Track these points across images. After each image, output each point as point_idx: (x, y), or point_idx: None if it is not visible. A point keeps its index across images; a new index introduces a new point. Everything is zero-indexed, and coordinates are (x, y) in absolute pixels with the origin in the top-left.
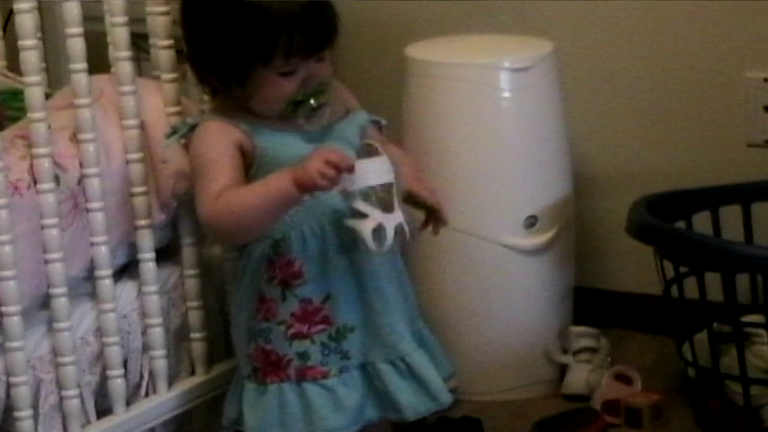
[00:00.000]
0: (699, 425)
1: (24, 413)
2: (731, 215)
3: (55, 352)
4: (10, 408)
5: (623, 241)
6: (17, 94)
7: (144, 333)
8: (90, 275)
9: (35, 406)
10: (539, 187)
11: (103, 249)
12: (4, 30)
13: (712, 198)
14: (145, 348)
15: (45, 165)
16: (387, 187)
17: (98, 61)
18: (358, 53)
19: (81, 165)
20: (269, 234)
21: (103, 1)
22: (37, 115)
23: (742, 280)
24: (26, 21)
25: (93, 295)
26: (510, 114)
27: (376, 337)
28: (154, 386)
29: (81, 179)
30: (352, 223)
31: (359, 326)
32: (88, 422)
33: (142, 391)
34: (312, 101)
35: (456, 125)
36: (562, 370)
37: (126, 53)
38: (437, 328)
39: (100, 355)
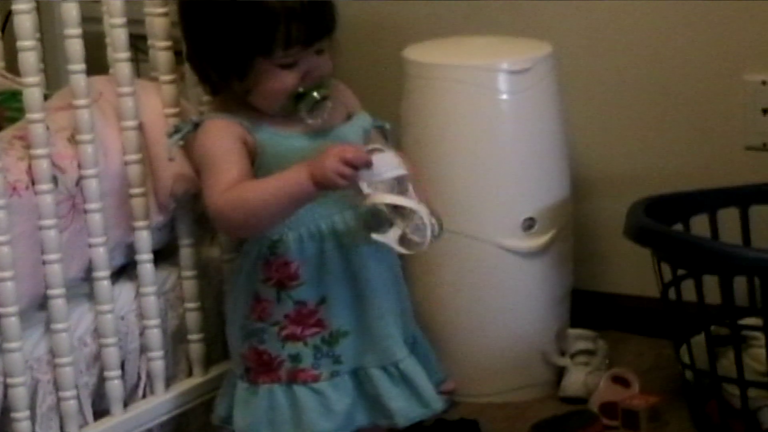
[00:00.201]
0: (696, 428)
1: (21, 414)
2: (729, 218)
3: (53, 353)
4: (7, 409)
5: (621, 244)
6: (16, 95)
7: (142, 334)
8: (88, 276)
9: (33, 407)
10: (537, 189)
11: (101, 250)
12: (3, 31)
13: (710, 201)
14: (143, 349)
15: (43, 166)
16: (402, 183)
17: (97, 63)
18: (357, 55)
19: (79, 166)
20: (267, 234)
21: (102, 2)
22: (36, 115)
23: (740, 283)
24: (25, 22)
25: (91, 296)
26: (508, 116)
27: (370, 343)
28: (151, 387)
29: (79, 180)
30: (378, 237)
31: (353, 331)
32: (86, 423)
33: (140, 392)
34: (314, 94)
35: (454, 127)
36: (560, 372)
37: (124, 54)
38: (434, 330)
39: (97, 356)
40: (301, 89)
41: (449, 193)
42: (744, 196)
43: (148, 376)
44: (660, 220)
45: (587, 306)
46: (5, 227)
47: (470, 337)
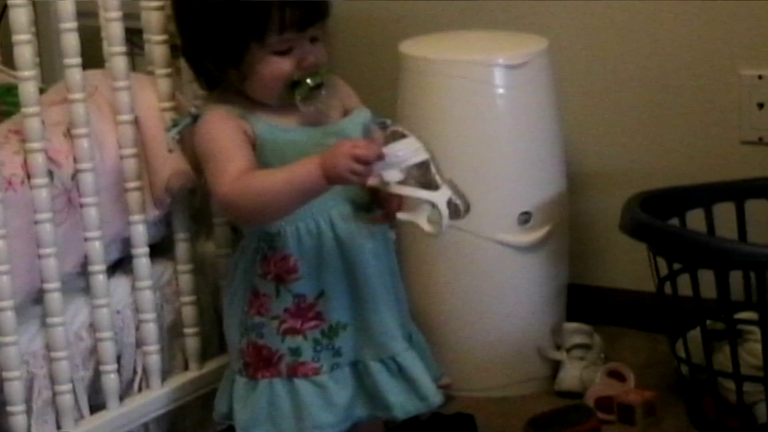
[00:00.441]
0: (692, 422)
1: (17, 408)
2: (725, 212)
3: (49, 348)
4: (3, 403)
5: (617, 238)
6: (11, 89)
7: (137, 328)
8: (84, 271)
9: (28, 401)
10: (533, 183)
11: (97, 244)
12: None
13: (706, 195)
14: (139, 343)
15: (39, 160)
16: (423, 166)
17: (92, 57)
18: (353, 49)
19: (75, 160)
20: (264, 229)
21: None
22: (31, 110)
23: (736, 278)
24: (20, 16)
25: (86, 291)
26: (504, 111)
27: (368, 336)
28: (147, 382)
29: (75, 174)
30: (403, 216)
31: (351, 324)
32: (82, 417)
33: (136, 386)
34: (308, 81)
35: (450, 122)
36: (556, 366)
37: (120, 49)
38: (430, 325)
39: (93, 351)
40: (295, 77)
41: None
42: (740, 191)
43: (144, 370)
44: (656, 214)
45: (583, 300)
46: (1, 222)
47: (466, 331)
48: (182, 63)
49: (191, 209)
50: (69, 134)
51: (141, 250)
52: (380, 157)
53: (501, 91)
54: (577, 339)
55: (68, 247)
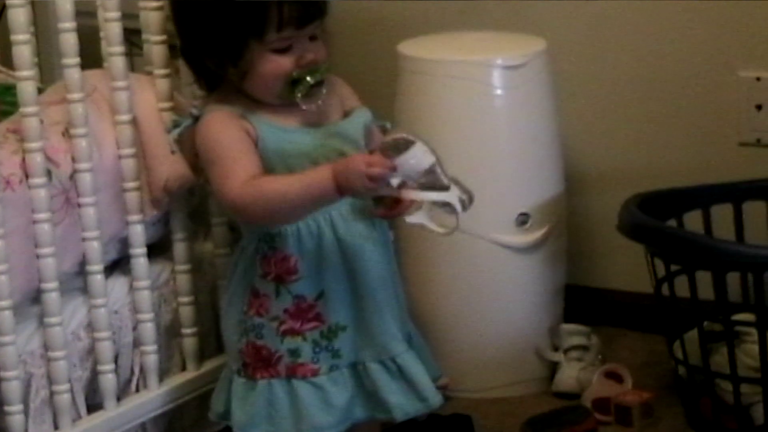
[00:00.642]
0: (689, 423)
1: (14, 408)
2: (723, 214)
3: (46, 347)
4: (0, 402)
5: (615, 240)
6: (10, 89)
7: (135, 328)
8: (81, 270)
9: (26, 401)
10: (531, 184)
11: (95, 244)
12: None
13: (704, 197)
14: (136, 343)
15: (37, 160)
16: (429, 170)
17: (91, 56)
18: (352, 50)
19: (73, 160)
20: (264, 229)
21: None
22: (30, 109)
23: (733, 279)
24: (19, 15)
25: (84, 290)
26: (502, 111)
27: (368, 337)
28: (144, 381)
29: (73, 174)
30: (413, 219)
31: (351, 325)
32: (79, 417)
33: (133, 386)
34: (308, 78)
35: (448, 122)
36: (553, 367)
37: (119, 48)
38: (428, 326)
39: (91, 350)
40: (295, 74)
41: None
42: (738, 192)
43: (142, 370)
44: (654, 216)
45: (581, 301)
46: None
47: (464, 332)
48: (181, 63)
49: (189, 209)
50: (67, 134)
51: (139, 250)
52: (393, 170)
53: (499, 91)
54: (575, 340)
55: (66, 247)
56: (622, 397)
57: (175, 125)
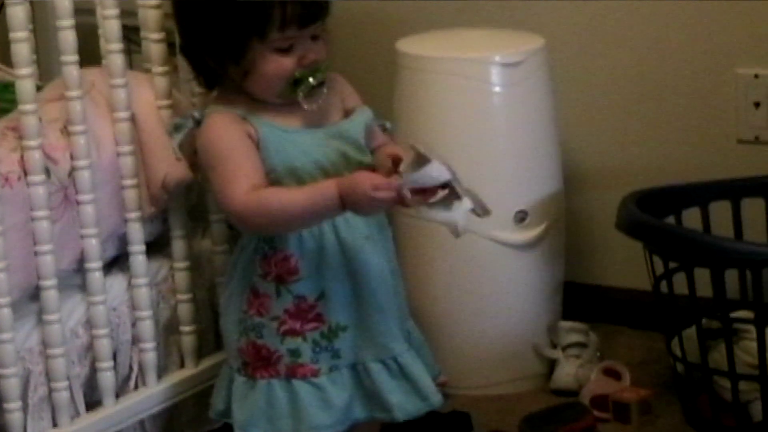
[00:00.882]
0: (687, 421)
1: (13, 405)
2: (721, 211)
3: (45, 344)
4: None
5: (613, 237)
6: (8, 87)
7: (133, 325)
8: (80, 267)
9: (24, 398)
10: (529, 181)
11: (94, 241)
12: None
13: (702, 194)
14: (135, 341)
15: (35, 157)
16: (443, 186)
17: (89, 54)
18: (350, 47)
19: (72, 157)
20: None
21: None
22: (28, 107)
23: (731, 276)
24: (18, 13)
25: (83, 288)
26: (501, 109)
27: (368, 337)
28: (143, 379)
29: (71, 172)
30: (425, 213)
31: (351, 326)
32: (78, 414)
33: (132, 383)
34: (311, 79)
35: (447, 120)
36: (551, 364)
37: (117, 46)
38: (427, 323)
39: (89, 348)
40: (297, 74)
41: None
42: (736, 190)
43: (140, 367)
44: (652, 213)
45: (579, 299)
46: None
47: (462, 329)
48: (179, 61)
49: (187, 206)
50: (66, 131)
51: (137, 247)
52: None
53: (498, 89)
54: (573, 337)
55: (65, 244)
56: (621, 394)
57: (176, 127)
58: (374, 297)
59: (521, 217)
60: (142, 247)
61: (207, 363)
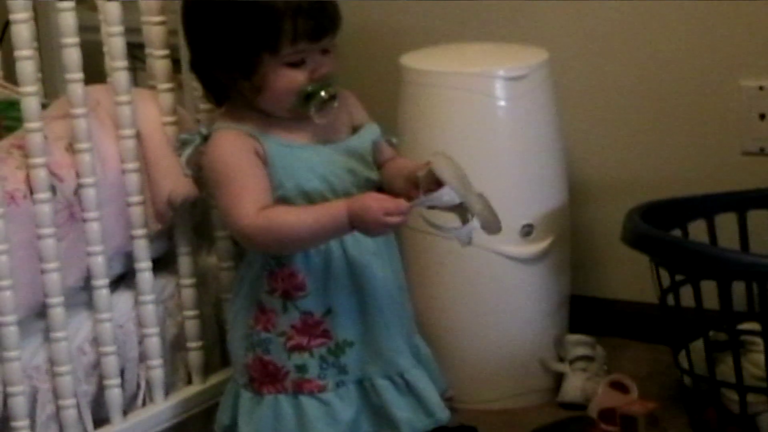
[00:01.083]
0: None
1: (21, 423)
2: (727, 223)
3: (52, 362)
4: (7, 418)
5: (619, 250)
6: (14, 104)
7: (140, 342)
8: (86, 285)
9: (32, 416)
10: (535, 195)
11: (100, 259)
12: (1, 40)
13: (708, 206)
14: (142, 357)
15: (41, 175)
16: (452, 209)
17: (94, 71)
18: (354, 61)
19: (77, 175)
20: None
21: (99, 10)
22: (33, 125)
23: (738, 288)
24: (22, 31)
25: (89, 305)
26: (505, 123)
27: (375, 353)
28: (150, 396)
29: (77, 189)
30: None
31: (358, 341)
32: None
33: (139, 400)
34: (322, 93)
35: (451, 134)
36: (558, 378)
37: (122, 63)
38: (433, 337)
39: (96, 365)
40: (309, 88)
41: None
42: (742, 202)
43: (147, 384)
44: (658, 225)
45: (585, 312)
46: (3, 236)
47: (469, 343)
48: (184, 77)
49: (193, 223)
50: (71, 149)
51: (143, 264)
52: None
53: (502, 103)
54: (580, 350)
55: (71, 262)
56: (628, 408)
57: (183, 143)
58: (381, 312)
59: (527, 231)
60: (149, 264)
61: (214, 379)
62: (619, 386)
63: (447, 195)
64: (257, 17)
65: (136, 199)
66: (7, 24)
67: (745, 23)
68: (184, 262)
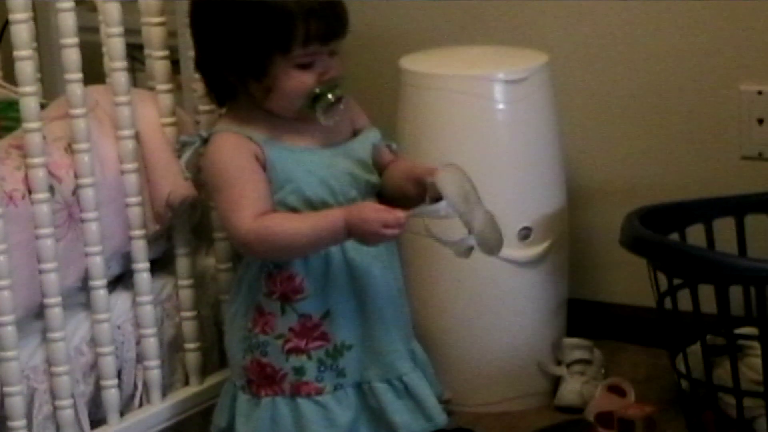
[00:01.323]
0: None
1: (18, 423)
2: (725, 227)
3: (49, 362)
4: (4, 418)
5: (617, 253)
6: (12, 104)
7: (138, 343)
8: (84, 285)
9: (29, 416)
10: (533, 198)
11: (98, 259)
12: (0, 40)
13: (706, 210)
14: (139, 358)
15: (40, 175)
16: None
17: (93, 72)
18: (353, 64)
19: (76, 175)
20: None
21: (99, 11)
22: (32, 125)
23: (736, 293)
24: (21, 31)
25: (87, 306)
26: (504, 126)
27: (374, 356)
28: (148, 396)
29: (76, 189)
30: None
31: (357, 344)
32: None
33: (136, 401)
34: (329, 95)
35: (450, 137)
36: (556, 381)
37: (121, 64)
38: (431, 340)
39: (94, 366)
40: (317, 90)
41: None
42: (740, 206)
43: (145, 385)
44: (656, 229)
45: (583, 315)
46: (2, 236)
47: (466, 346)
48: (183, 78)
49: (191, 224)
50: (70, 149)
51: (141, 265)
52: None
53: (501, 106)
54: (578, 354)
55: (69, 262)
56: (625, 411)
57: (183, 145)
58: (381, 316)
59: (525, 234)
60: (147, 265)
61: (211, 380)
62: (616, 390)
63: (444, 210)
64: (270, 18)
65: (134, 199)
66: (6, 24)
67: (744, 28)
68: (183, 263)
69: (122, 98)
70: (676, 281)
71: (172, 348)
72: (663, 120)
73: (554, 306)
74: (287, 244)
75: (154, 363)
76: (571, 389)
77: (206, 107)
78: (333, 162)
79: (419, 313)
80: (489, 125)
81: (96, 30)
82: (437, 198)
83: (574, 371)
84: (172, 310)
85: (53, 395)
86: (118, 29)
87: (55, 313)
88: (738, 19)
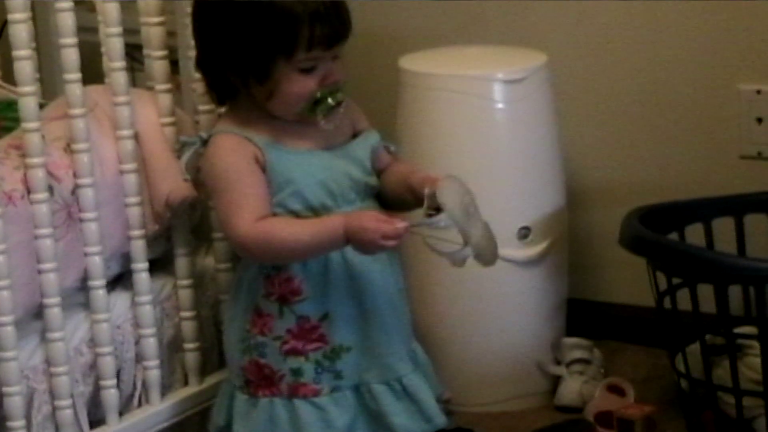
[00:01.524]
0: None
1: (17, 423)
2: (724, 227)
3: (49, 363)
4: (3, 418)
5: (616, 253)
6: (11, 105)
7: (137, 343)
8: (84, 285)
9: (28, 417)
10: (532, 198)
11: (97, 259)
12: None
13: (705, 210)
14: (139, 358)
15: (39, 175)
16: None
17: (92, 72)
18: (352, 64)
19: (75, 175)
20: None
21: (98, 11)
22: (31, 125)
23: (735, 292)
24: (20, 31)
25: (86, 306)
26: (503, 125)
27: (373, 358)
28: (147, 397)
29: (75, 189)
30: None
31: (355, 347)
32: None
33: (135, 401)
34: (330, 100)
35: (450, 137)
36: (555, 381)
37: (120, 64)
38: (430, 340)
39: (93, 366)
40: (319, 94)
41: None
42: (739, 206)
43: (144, 385)
44: (655, 229)
45: (583, 315)
46: (1, 236)
47: (466, 346)
48: (182, 78)
49: (191, 224)
50: (69, 149)
51: (141, 265)
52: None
53: (500, 105)
54: (577, 354)
55: (68, 262)
56: (625, 411)
57: (183, 145)
58: (381, 317)
59: (524, 234)
60: (146, 265)
61: (211, 380)
62: (616, 389)
63: (444, 222)
64: (275, 22)
65: (133, 199)
66: (5, 24)
67: (743, 27)
68: (182, 263)
69: (121, 98)
70: (676, 281)
71: (172, 348)
72: (662, 120)
73: (553, 306)
74: (286, 249)
75: (153, 363)
76: (571, 389)
77: (205, 107)
78: (332, 164)
79: (419, 314)
80: (488, 125)
81: (95, 30)
82: (435, 207)
83: (574, 371)
84: (172, 310)
85: (52, 395)
86: (117, 29)
87: (54, 313)
88: (737, 19)
